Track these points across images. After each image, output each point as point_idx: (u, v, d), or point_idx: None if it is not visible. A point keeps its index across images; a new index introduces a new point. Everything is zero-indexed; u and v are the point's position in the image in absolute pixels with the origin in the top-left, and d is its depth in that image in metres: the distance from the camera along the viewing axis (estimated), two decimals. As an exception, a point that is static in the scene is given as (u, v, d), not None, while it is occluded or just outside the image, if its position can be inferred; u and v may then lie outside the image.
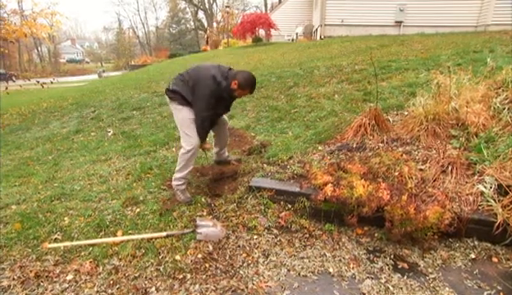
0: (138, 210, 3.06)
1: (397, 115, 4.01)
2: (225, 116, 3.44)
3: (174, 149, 4.37)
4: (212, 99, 2.92)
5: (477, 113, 3.22)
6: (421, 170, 2.84)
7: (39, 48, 45.99)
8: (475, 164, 2.80)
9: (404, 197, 2.42)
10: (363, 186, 2.56)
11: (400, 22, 13.60)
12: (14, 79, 19.66)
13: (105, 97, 8.59)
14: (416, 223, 2.32)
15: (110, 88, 10.25)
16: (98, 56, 56.30)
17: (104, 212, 3.05)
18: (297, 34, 19.44)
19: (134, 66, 31.47)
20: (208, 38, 32.77)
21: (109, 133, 5.58)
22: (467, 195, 2.56)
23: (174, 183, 3.13)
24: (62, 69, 43.25)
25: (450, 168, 2.77)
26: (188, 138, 3.02)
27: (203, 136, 3.11)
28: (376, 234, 2.61)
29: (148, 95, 7.86)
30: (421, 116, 3.35)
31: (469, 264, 2.32)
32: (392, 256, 2.41)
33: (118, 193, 3.38)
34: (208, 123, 3.07)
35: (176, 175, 3.12)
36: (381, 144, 3.32)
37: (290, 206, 2.91)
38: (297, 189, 2.89)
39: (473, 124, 3.15)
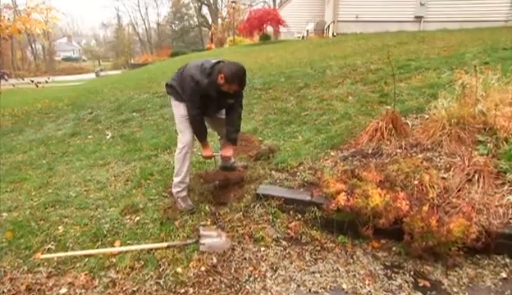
0: (137, 218, 3.07)
1: (417, 118, 3.98)
2: (237, 112, 3.30)
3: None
4: (196, 97, 2.94)
5: (507, 117, 3.17)
6: (443, 178, 2.80)
7: (33, 45, 46.60)
8: (505, 173, 2.75)
9: (425, 208, 2.39)
10: (380, 195, 2.54)
11: (421, 17, 13.54)
12: (6, 77, 19.92)
13: (103, 98, 8.68)
14: (439, 236, 2.29)
15: (108, 89, 10.35)
16: (95, 54, 56.79)
17: (101, 221, 3.07)
18: (308, 31, 19.48)
19: (135, 65, 31.83)
20: (212, 35, 33.00)
21: (107, 137, 5.63)
22: (496, 207, 2.51)
23: (173, 190, 3.17)
24: (58, 67, 43.85)
25: (476, 177, 2.73)
26: (181, 135, 3.13)
27: (198, 136, 3.14)
28: (394, 248, 2.57)
29: (149, 96, 7.92)
30: (443, 120, 3.32)
31: (500, 284, 2.26)
32: (412, 273, 2.37)
33: (116, 201, 3.40)
34: (198, 122, 3.08)
35: (174, 180, 3.15)
36: (399, 150, 3.30)
37: (300, 215, 2.89)
38: (307, 198, 2.88)
39: (503, 128, 3.10)
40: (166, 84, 3.23)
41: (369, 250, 2.61)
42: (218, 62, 2.97)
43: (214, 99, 2.98)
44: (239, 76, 2.85)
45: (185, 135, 3.09)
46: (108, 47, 58.39)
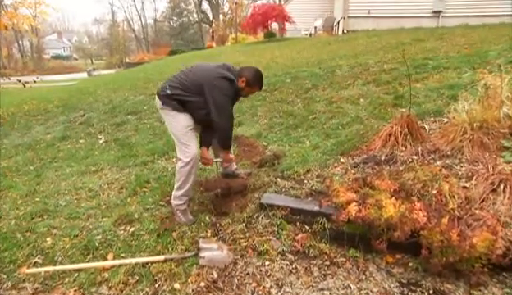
0: (132, 229, 3.07)
1: (435, 122, 3.97)
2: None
3: (174, 159, 4.38)
4: (230, 100, 3.05)
5: (536, 120, 3.16)
6: (465, 187, 2.78)
7: (21, 42, 46.94)
8: (534, 182, 2.73)
9: (445, 220, 2.37)
10: (394, 205, 2.52)
11: (439, 12, 13.52)
12: (-10, 77, 20.11)
13: (96, 99, 8.74)
14: (460, 252, 2.26)
15: (102, 89, 10.43)
16: (87, 52, 57.21)
17: (93, 232, 3.07)
18: (316, 27, 19.55)
19: (130, 64, 32.03)
20: (213, 32, 33.23)
21: (100, 141, 5.65)
22: (524, 219, 2.49)
23: (174, 202, 3.14)
24: (47, 66, 43.94)
25: (501, 186, 2.70)
26: (185, 147, 3.03)
27: (229, 141, 3.23)
28: (410, 264, 2.55)
29: (146, 97, 7.96)
30: (464, 124, 3.30)
31: (528, 304, 2.24)
32: (431, 292, 2.34)
33: (110, 210, 3.41)
34: (231, 128, 3.18)
35: (176, 193, 3.12)
36: (415, 156, 3.28)
37: (307, 227, 2.88)
38: (316, 208, 2.87)
39: (531, 133, 3.09)
40: (160, 95, 3.08)
41: (383, 265, 2.58)
42: (232, 66, 3.14)
43: (232, 102, 3.14)
44: (261, 78, 3.12)
45: (190, 148, 3.02)
46: (101, 45, 58.87)
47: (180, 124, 3.04)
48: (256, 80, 3.09)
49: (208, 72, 3.03)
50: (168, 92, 3.04)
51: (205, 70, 3.06)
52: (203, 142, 3.30)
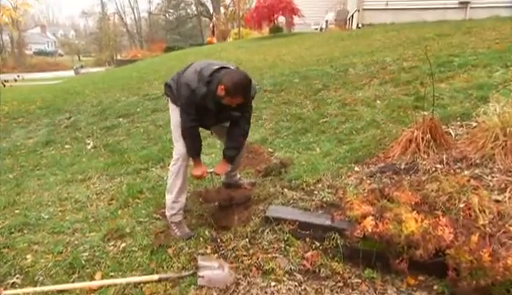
0: (123, 245, 3.07)
1: (461, 126, 3.96)
2: (241, 128, 3.29)
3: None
4: (191, 109, 2.97)
5: None
6: (497, 201, 2.76)
7: (0, 36, 47.41)
8: None
9: (475, 238, 2.35)
10: (416, 220, 2.52)
11: (466, 3, 13.46)
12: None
13: (84, 100, 8.80)
14: (493, 274, 2.24)
15: (90, 89, 10.51)
16: (74, 48, 57.66)
17: (79, 248, 3.08)
18: (327, 21, 19.64)
19: (121, 62, 32.31)
20: (213, 27, 33.43)
21: (88, 146, 5.68)
22: None
23: (167, 213, 3.17)
24: (29, 62, 44.22)
25: (540, 200, 2.69)
26: (176, 144, 3.16)
27: (190, 151, 3.13)
28: (435, 287, 2.52)
29: (139, 98, 8.02)
30: (496, 129, 3.28)
31: None
32: (458, 318, 2.33)
33: (98, 223, 3.42)
34: (191, 135, 3.09)
35: (168, 199, 3.16)
36: (439, 165, 3.27)
37: (317, 243, 2.87)
38: (327, 222, 2.87)
39: None
40: (165, 84, 3.28)
41: (404, 288, 2.56)
42: (219, 69, 2.94)
43: (212, 112, 3.00)
44: (242, 86, 2.85)
45: (180, 145, 3.12)
46: (90, 40, 59.28)
47: (175, 119, 3.15)
48: (236, 89, 2.81)
49: (184, 76, 3.04)
50: (170, 83, 3.20)
51: (186, 72, 3.07)
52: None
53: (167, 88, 3.23)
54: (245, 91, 2.88)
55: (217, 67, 2.95)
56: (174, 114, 3.17)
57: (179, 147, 3.12)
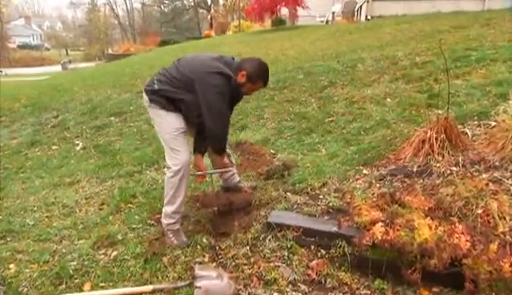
0: (114, 253, 3.07)
1: (479, 126, 3.96)
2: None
3: (165, 169, 4.40)
4: (226, 98, 3.01)
5: None
6: (518, 206, 2.77)
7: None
8: None
9: (494, 247, 2.35)
10: (430, 227, 2.52)
11: (485, -8, 13.50)
12: None
13: (72, 98, 8.82)
14: (514, 286, 2.25)
15: (79, 86, 10.53)
16: (62, 42, 57.77)
17: (67, 257, 3.08)
18: (333, 13, 19.70)
19: (113, 56, 32.41)
20: (212, 19, 33.47)
21: (77, 147, 5.69)
22: None
23: (164, 221, 3.15)
24: (13, 57, 44.26)
25: None
26: (175, 154, 3.05)
27: (223, 141, 3.23)
28: (450, 299, 2.54)
29: (132, 96, 8.03)
30: (517, 129, 3.29)
31: None
32: (476, 333, 2.33)
33: (88, 230, 3.42)
34: (226, 128, 3.19)
35: (166, 210, 3.13)
36: (454, 168, 3.27)
37: (323, 251, 2.87)
38: (334, 229, 2.86)
39: None
40: (146, 90, 3.14)
41: (417, 300, 2.57)
42: (233, 58, 3.12)
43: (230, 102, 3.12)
44: (266, 71, 3.05)
45: (181, 154, 3.04)
46: (79, 33, 59.52)
47: (169, 126, 3.07)
48: (259, 74, 3.03)
49: (200, 65, 3.04)
50: (156, 87, 3.08)
51: (198, 63, 3.08)
52: (197, 148, 3.32)
53: (153, 94, 3.08)
54: (267, 75, 3.06)
55: (230, 57, 3.14)
56: (167, 120, 3.08)
57: (181, 156, 3.03)
